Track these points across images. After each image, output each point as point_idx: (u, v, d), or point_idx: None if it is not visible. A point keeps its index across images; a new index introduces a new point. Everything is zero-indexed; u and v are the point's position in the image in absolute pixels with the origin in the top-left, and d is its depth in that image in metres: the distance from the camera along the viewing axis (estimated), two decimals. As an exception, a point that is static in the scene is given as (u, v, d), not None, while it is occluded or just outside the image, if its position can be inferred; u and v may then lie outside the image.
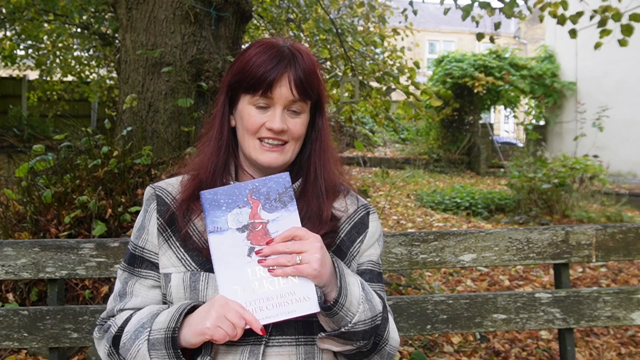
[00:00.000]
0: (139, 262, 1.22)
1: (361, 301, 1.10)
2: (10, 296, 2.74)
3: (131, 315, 1.17)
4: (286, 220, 1.08)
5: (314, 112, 1.24)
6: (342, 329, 1.08)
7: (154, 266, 1.21)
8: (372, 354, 1.17)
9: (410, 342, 3.02)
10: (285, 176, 1.09)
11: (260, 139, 1.17)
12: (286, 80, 1.14)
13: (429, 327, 1.88)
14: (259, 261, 1.07)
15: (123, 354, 1.12)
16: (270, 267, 1.06)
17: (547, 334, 3.33)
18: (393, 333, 1.21)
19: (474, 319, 1.90)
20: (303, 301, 1.06)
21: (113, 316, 1.21)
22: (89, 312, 1.80)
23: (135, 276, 1.22)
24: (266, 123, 1.15)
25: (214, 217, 1.08)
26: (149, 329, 1.09)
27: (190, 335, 1.06)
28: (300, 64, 1.15)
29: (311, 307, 1.06)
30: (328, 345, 1.13)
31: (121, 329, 1.14)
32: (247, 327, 1.04)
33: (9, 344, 1.78)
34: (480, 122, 15.04)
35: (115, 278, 2.27)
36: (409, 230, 5.81)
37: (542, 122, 15.20)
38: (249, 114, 1.17)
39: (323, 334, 1.11)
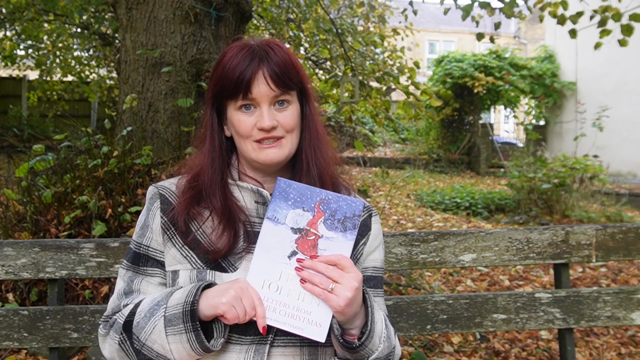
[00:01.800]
0: (144, 261, 1.21)
1: (382, 340, 1.12)
2: (10, 296, 2.74)
3: (141, 300, 1.15)
4: (339, 244, 1.08)
5: (301, 101, 1.23)
6: None
7: (160, 264, 1.20)
8: None
9: (410, 342, 3.02)
10: (360, 204, 1.09)
11: (257, 141, 1.16)
12: (261, 76, 1.13)
13: (429, 327, 1.88)
14: (296, 268, 1.08)
15: (137, 333, 1.10)
16: (303, 279, 1.07)
17: (547, 334, 3.33)
18: (397, 350, 1.22)
19: (474, 319, 1.90)
20: (313, 326, 1.07)
21: (119, 312, 1.19)
22: (89, 312, 1.80)
23: (140, 274, 1.21)
24: (257, 124, 1.15)
25: (277, 207, 1.09)
26: (164, 306, 1.09)
27: (205, 306, 1.06)
28: (272, 58, 1.14)
29: (319, 335, 1.07)
30: None
31: (132, 313, 1.13)
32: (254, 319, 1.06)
33: (9, 344, 1.78)
34: (480, 122, 15.04)
35: (115, 278, 2.26)
36: (409, 230, 5.81)
37: (542, 122, 15.21)
38: (239, 120, 1.16)
39: (336, 359, 1.14)
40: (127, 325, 1.12)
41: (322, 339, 1.06)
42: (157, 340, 1.08)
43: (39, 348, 2.65)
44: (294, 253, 1.08)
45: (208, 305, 1.06)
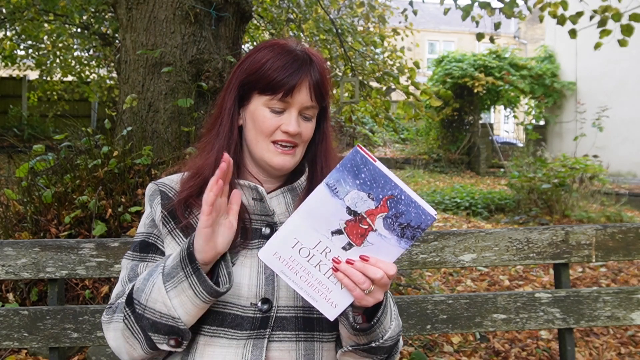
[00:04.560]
0: (154, 249, 1.21)
1: (394, 317, 1.12)
2: (10, 296, 2.74)
3: None
4: (389, 247, 0.99)
5: (319, 116, 1.25)
6: (373, 344, 1.08)
7: (165, 256, 1.20)
8: None
9: (410, 342, 3.02)
10: (430, 220, 0.97)
11: (274, 142, 1.17)
12: (306, 85, 1.15)
13: (429, 327, 1.88)
14: (334, 259, 1.00)
15: (137, 297, 1.07)
16: (335, 266, 1.01)
17: (547, 334, 3.33)
18: (400, 339, 1.22)
19: (474, 319, 1.90)
20: (329, 304, 1.03)
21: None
22: (89, 312, 1.80)
23: (145, 261, 1.20)
24: (281, 126, 1.16)
25: (342, 178, 0.96)
26: (162, 265, 1.08)
27: (198, 248, 1.02)
28: (316, 70, 1.17)
29: (330, 314, 1.04)
30: (348, 358, 1.13)
31: (133, 286, 1.11)
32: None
33: (9, 343, 1.78)
34: (480, 122, 15.06)
35: (115, 278, 2.26)
36: (409, 230, 5.79)
37: (542, 122, 15.22)
38: (264, 116, 1.16)
39: (350, 348, 1.10)
40: (129, 298, 1.10)
41: (331, 318, 1.03)
42: (159, 299, 1.05)
43: (39, 348, 2.65)
44: (339, 232, 0.99)
45: (197, 246, 1.02)
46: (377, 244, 0.99)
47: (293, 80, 1.14)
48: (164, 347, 1.08)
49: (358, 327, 1.06)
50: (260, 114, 1.17)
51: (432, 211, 0.96)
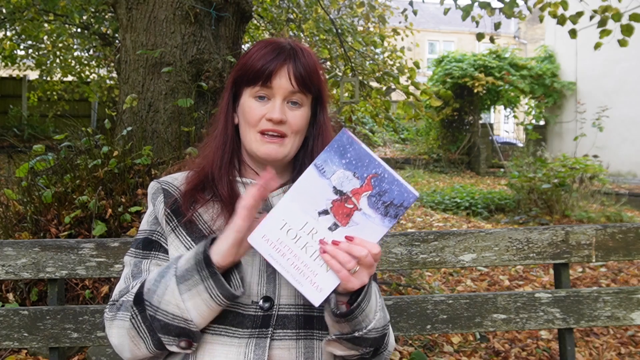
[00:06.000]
0: (157, 247, 1.21)
1: (378, 309, 1.11)
2: (10, 296, 2.74)
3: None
4: (373, 226, 1.01)
5: (315, 107, 1.25)
6: (356, 334, 1.08)
7: (168, 254, 1.20)
8: (372, 359, 1.17)
9: (410, 342, 3.02)
10: (412, 197, 1.00)
11: (262, 133, 1.17)
12: (285, 71, 1.15)
13: (429, 327, 1.88)
14: (321, 241, 1.02)
15: (149, 299, 1.06)
16: (322, 247, 1.02)
17: (547, 334, 3.33)
18: (391, 338, 1.22)
19: (474, 319, 1.90)
20: (314, 288, 1.03)
21: (127, 293, 1.16)
22: (89, 312, 1.80)
23: (149, 258, 1.20)
24: (266, 114, 1.16)
25: (329, 158, 1.00)
26: (174, 267, 1.06)
27: (215, 252, 1.03)
28: (300, 58, 1.17)
29: (316, 298, 1.03)
30: (332, 348, 1.12)
31: (142, 286, 1.10)
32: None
33: (9, 343, 1.78)
34: (480, 122, 15.07)
35: (115, 278, 2.27)
36: (409, 230, 5.81)
37: (542, 122, 15.23)
38: (250, 106, 1.18)
39: (333, 337, 1.10)
40: (138, 298, 1.08)
41: (316, 303, 1.03)
42: (172, 301, 1.05)
43: (39, 348, 2.65)
44: (325, 212, 1.01)
45: (218, 250, 1.03)
46: (362, 224, 1.01)
47: (270, 66, 1.15)
48: (174, 348, 1.08)
49: (339, 312, 1.06)
50: (247, 105, 1.18)
51: (414, 190, 1.00)
